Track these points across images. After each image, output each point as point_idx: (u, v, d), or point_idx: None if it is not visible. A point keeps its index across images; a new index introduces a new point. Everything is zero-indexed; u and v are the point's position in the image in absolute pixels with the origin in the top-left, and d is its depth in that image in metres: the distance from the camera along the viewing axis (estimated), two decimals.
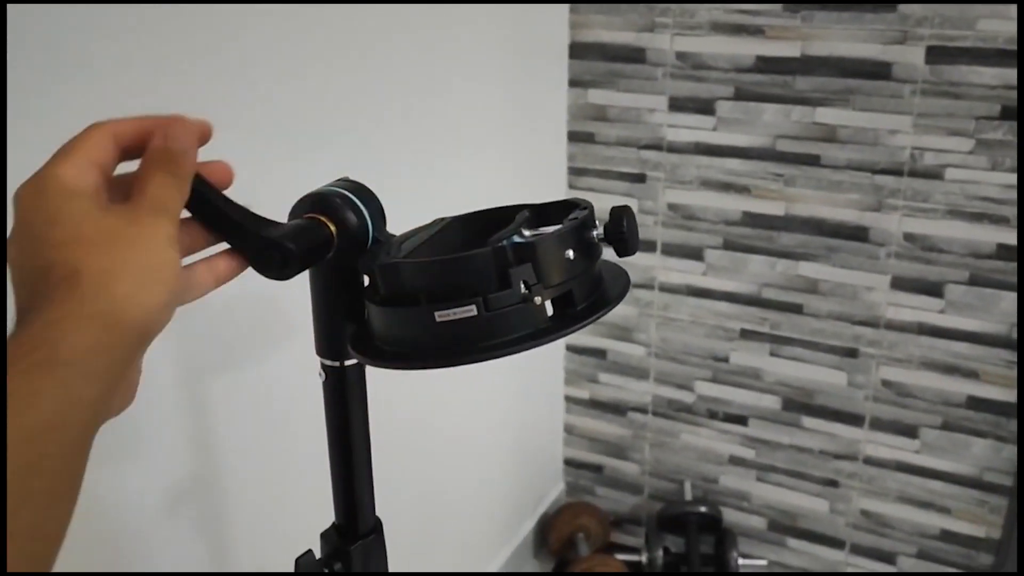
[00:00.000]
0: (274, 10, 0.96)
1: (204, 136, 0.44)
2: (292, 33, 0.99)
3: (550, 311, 0.44)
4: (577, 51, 1.66)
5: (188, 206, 0.43)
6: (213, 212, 0.44)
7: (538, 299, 0.43)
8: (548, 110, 1.67)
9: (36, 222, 0.40)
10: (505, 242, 0.43)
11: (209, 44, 0.89)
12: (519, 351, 0.43)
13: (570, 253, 0.44)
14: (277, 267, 0.45)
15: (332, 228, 0.49)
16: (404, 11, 1.16)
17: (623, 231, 0.46)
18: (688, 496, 1.85)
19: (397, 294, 0.45)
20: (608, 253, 0.48)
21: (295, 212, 0.50)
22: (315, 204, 0.49)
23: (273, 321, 1.04)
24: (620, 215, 0.46)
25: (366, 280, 0.48)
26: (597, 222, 0.47)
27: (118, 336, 0.36)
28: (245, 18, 0.92)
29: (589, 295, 0.45)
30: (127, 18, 0.78)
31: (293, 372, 1.06)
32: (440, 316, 0.43)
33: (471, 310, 0.43)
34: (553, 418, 1.94)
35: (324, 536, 0.59)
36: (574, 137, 1.72)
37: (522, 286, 0.43)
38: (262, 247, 0.45)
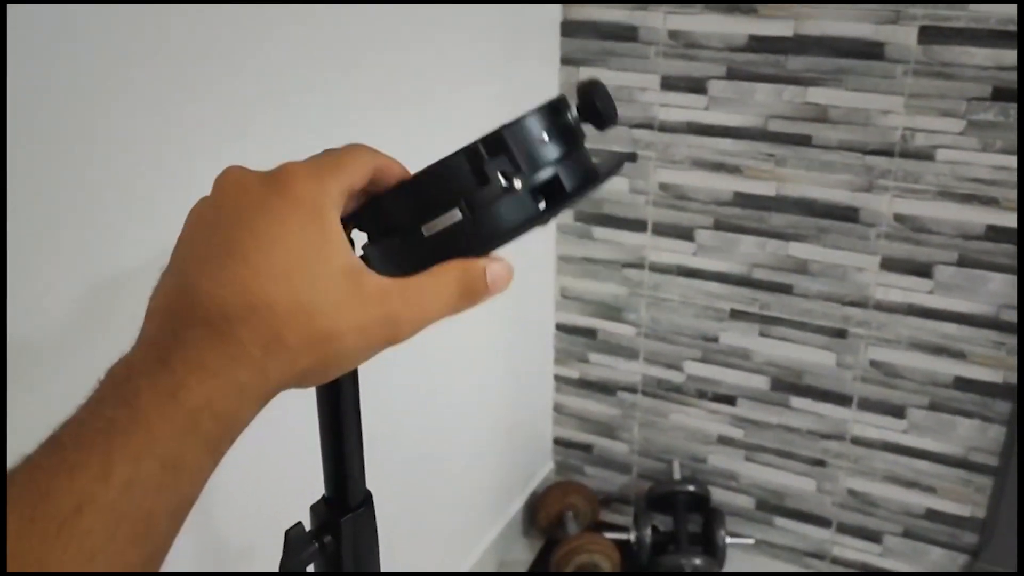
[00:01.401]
0: None
1: None
2: (282, 12, 0.98)
3: (544, 206, 0.43)
4: (569, 29, 1.65)
5: None
6: None
7: (518, 183, 0.41)
8: (540, 88, 1.66)
9: (203, 238, 0.36)
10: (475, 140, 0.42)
11: (208, 40, 0.88)
12: (509, 239, 0.42)
13: (545, 136, 0.43)
14: None
15: None
16: None
17: (595, 104, 0.44)
18: (677, 475, 1.86)
19: (384, 228, 0.44)
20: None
21: None
22: None
23: None
24: (587, 88, 0.45)
25: (356, 234, 0.47)
26: (571, 104, 0.45)
27: (267, 394, 0.36)
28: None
29: (579, 178, 0.44)
30: (123, 17, 0.77)
31: None
32: (427, 230, 0.42)
33: (455, 215, 0.41)
34: (543, 397, 1.95)
35: (314, 509, 0.59)
36: None
37: (501, 178, 0.41)
38: None
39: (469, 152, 0.42)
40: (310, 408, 0.57)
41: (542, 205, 0.43)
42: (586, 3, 1.62)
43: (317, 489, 0.60)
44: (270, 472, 1.12)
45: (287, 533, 0.55)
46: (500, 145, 0.41)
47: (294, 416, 0.92)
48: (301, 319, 0.35)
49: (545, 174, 0.42)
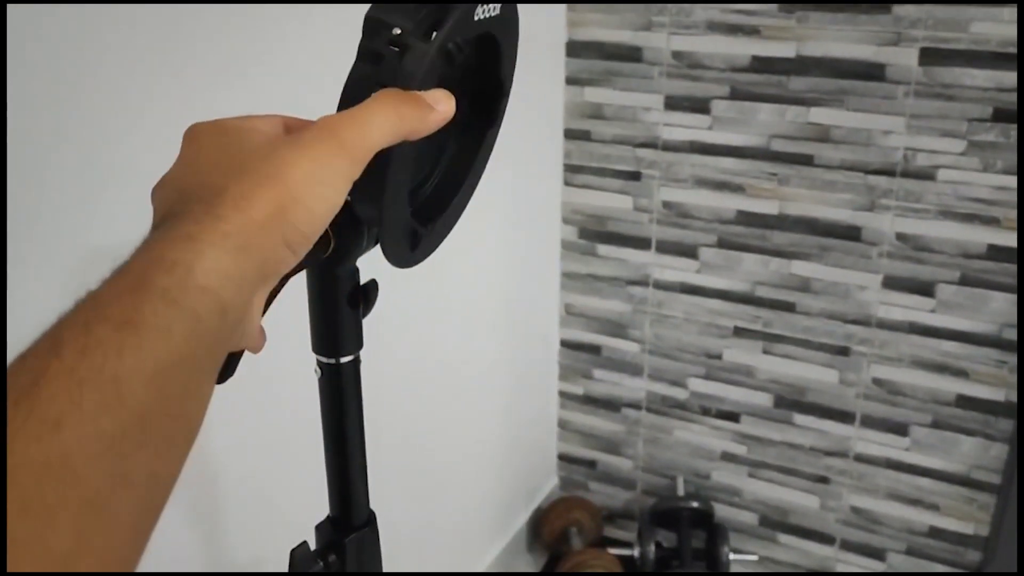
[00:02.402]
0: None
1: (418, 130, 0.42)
2: (283, 18, 1.00)
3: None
4: (574, 49, 1.67)
5: None
6: None
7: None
8: (545, 107, 1.68)
9: (204, 153, 0.38)
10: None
11: (215, 38, 0.90)
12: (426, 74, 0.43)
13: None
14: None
15: (330, 234, 0.50)
16: None
17: None
18: (680, 492, 1.87)
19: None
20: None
21: None
22: None
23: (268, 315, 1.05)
24: None
25: None
26: None
27: (248, 263, 0.34)
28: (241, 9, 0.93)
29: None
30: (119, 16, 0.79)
31: (287, 366, 1.08)
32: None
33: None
34: (547, 413, 1.96)
35: (319, 528, 0.60)
36: (570, 135, 1.73)
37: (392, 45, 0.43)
38: None
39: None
40: (314, 429, 0.59)
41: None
42: (590, 24, 1.64)
43: (322, 509, 0.61)
44: (275, 492, 1.14)
45: (292, 552, 0.57)
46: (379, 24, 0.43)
47: (298, 437, 0.94)
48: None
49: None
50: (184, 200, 0.36)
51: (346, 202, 0.50)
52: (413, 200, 0.51)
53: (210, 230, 0.34)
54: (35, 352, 0.29)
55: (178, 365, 0.31)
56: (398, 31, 0.43)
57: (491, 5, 0.47)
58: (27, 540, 0.26)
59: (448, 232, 0.54)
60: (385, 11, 0.44)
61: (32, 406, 0.27)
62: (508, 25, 0.50)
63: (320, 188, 0.38)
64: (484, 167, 0.55)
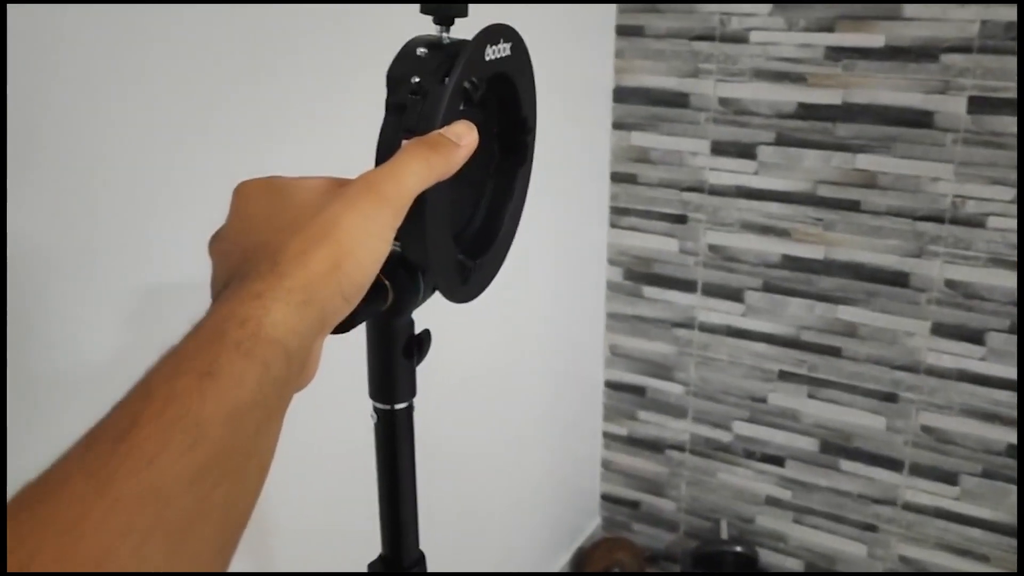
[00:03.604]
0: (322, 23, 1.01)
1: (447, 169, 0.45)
2: (334, 46, 1.04)
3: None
4: (621, 95, 1.70)
5: None
6: None
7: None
8: (592, 151, 1.71)
9: (257, 209, 0.43)
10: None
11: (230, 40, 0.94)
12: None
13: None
14: (340, 323, 0.49)
15: (388, 284, 0.53)
16: None
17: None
18: (724, 535, 1.86)
19: None
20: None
21: None
22: None
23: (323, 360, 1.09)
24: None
25: None
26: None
27: (311, 315, 0.38)
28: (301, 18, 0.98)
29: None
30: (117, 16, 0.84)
31: (341, 410, 1.11)
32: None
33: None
34: (591, 453, 1.96)
35: (371, 566, 0.63)
36: (617, 178, 1.76)
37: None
38: None
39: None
40: (367, 470, 0.61)
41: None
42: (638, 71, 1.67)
43: (373, 547, 0.63)
44: (327, 530, 1.17)
45: None
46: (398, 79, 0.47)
47: (351, 477, 0.97)
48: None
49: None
50: (248, 260, 0.40)
51: (399, 255, 0.53)
52: (460, 240, 0.54)
53: (275, 287, 0.38)
54: (130, 400, 0.34)
55: (251, 408, 0.35)
56: (416, 79, 0.47)
57: (501, 46, 0.51)
58: (128, 559, 0.29)
59: (498, 267, 0.57)
60: (403, 66, 0.48)
61: (131, 446, 0.31)
62: (520, 64, 0.54)
63: (368, 240, 0.41)
64: (523, 203, 0.58)
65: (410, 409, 0.59)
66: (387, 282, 0.53)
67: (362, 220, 0.41)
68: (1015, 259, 1.48)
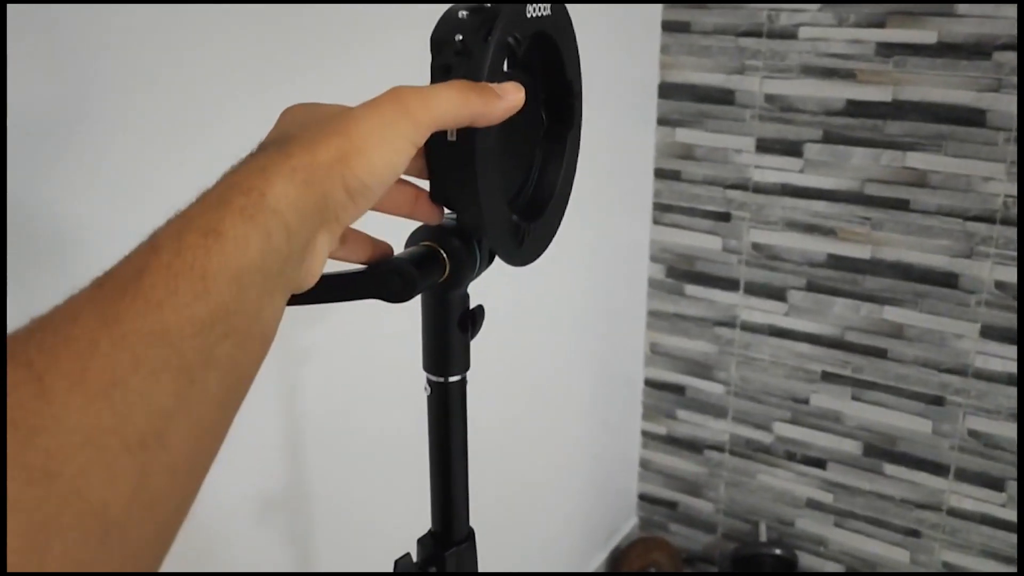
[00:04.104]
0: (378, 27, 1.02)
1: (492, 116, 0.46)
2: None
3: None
4: (666, 91, 1.70)
5: None
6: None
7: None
8: (636, 147, 1.70)
9: (291, 119, 0.44)
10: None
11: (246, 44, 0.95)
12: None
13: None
14: (398, 291, 0.49)
15: (444, 255, 0.53)
16: None
17: None
18: (763, 538, 1.84)
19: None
20: None
21: (411, 240, 0.54)
22: (431, 233, 0.54)
23: (370, 334, 1.10)
24: None
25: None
26: None
27: (311, 197, 0.39)
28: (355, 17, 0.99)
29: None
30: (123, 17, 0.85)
31: (388, 384, 1.11)
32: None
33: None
34: (629, 452, 1.95)
35: (420, 541, 0.63)
36: (661, 174, 1.75)
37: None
38: (387, 271, 0.49)
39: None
40: (413, 445, 0.62)
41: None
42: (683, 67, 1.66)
43: (420, 523, 0.64)
44: (373, 507, 1.17)
45: (396, 563, 0.59)
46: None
47: (398, 452, 0.97)
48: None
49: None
50: (261, 146, 0.42)
51: (453, 226, 0.54)
52: (514, 205, 0.54)
53: (279, 163, 0.39)
54: (137, 253, 0.35)
55: (253, 272, 0.36)
56: (460, 38, 0.47)
57: (541, 4, 0.51)
58: (138, 391, 0.30)
59: (554, 230, 0.57)
60: (446, 28, 0.48)
61: (138, 290, 0.32)
62: (561, 24, 0.54)
63: (382, 144, 0.42)
64: (574, 167, 0.58)
65: (463, 383, 0.59)
66: (444, 253, 0.53)
67: (380, 125, 0.42)
68: None
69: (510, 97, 0.46)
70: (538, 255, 0.55)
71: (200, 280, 0.34)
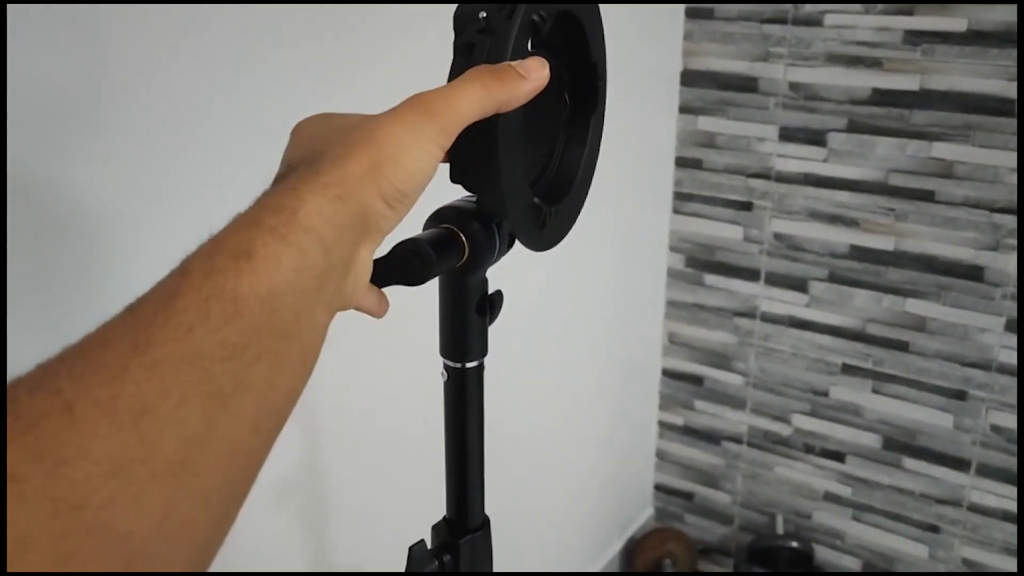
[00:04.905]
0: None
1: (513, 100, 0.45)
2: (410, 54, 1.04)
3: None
4: (689, 78, 1.68)
5: None
6: None
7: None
8: (657, 135, 1.69)
9: (309, 134, 0.44)
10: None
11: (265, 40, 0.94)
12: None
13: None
14: (416, 273, 0.49)
15: (463, 238, 0.52)
16: None
17: None
18: (780, 530, 1.82)
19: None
20: None
21: (431, 221, 0.53)
22: (450, 216, 0.53)
23: (388, 318, 1.09)
24: None
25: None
26: None
27: (347, 210, 0.38)
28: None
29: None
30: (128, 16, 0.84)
31: (405, 369, 1.11)
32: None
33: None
34: (646, 443, 1.94)
35: (435, 528, 0.62)
36: (682, 163, 1.73)
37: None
38: (405, 252, 0.48)
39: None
40: (429, 433, 0.61)
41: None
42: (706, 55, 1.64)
43: (434, 510, 0.63)
44: (387, 494, 1.17)
45: (410, 549, 0.59)
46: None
47: (413, 440, 0.97)
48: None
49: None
50: (289, 169, 0.41)
51: (473, 209, 0.53)
52: (537, 188, 0.53)
53: (311, 181, 0.38)
54: (168, 278, 0.34)
55: (287, 292, 0.35)
56: (483, 15, 0.46)
57: None
58: (168, 418, 0.30)
59: (576, 214, 0.56)
60: (469, 6, 0.47)
61: (169, 315, 0.32)
62: (587, 3, 0.53)
63: (412, 148, 0.41)
64: (597, 150, 0.57)
65: (480, 368, 0.58)
66: (463, 236, 0.52)
67: (406, 130, 0.41)
68: None
69: (534, 76, 0.45)
70: (559, 240, 0.54)
71: (231, 303, 0.33)
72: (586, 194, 0.57)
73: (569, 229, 0.56)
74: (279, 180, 0.41)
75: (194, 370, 0.31)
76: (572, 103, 0.55)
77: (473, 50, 0.46)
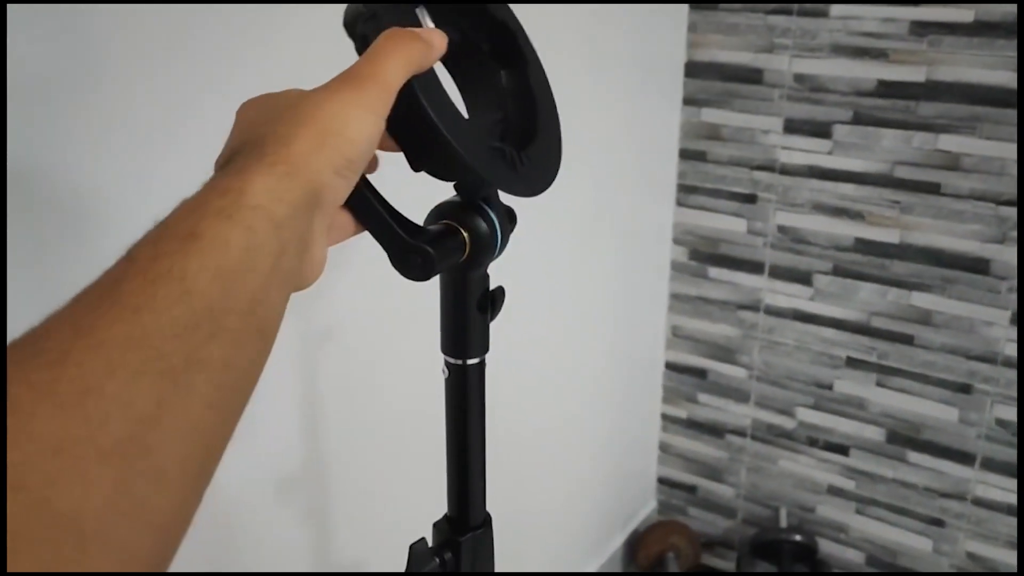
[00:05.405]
0: None
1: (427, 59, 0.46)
2: None
3: None
4: (693, 70, 1.66)
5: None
6: (365, 206, 0.48)
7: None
8: (661, 127, 1.68)
9: (250, 116, 0.44)
10: None
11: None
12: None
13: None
14: (417, 270, 0.48)
15: (465, 235, 0.52)
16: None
17: None
18: (783, 523, 1.82)
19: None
20: None
21: (431, 218, 0.53)
22: (451, 212, 0.52)
23: (388, 317, 1.08)
24: None
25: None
26: None
27: (296, 186, 0.38)
28: None
29: None
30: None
31: (407, 365, 1.11)
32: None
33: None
34: (649, 436, 1.94)
35: (436, 526, 0.62)
36: (685, 155, 1.72)
37: None
38: (406, 250, 0.48)
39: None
40: (431, 430, 0.61)
41: None
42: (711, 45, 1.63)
43: (436, 507, 0.63)
44: (389, 489, 1.17)
45: (411, 547, 0.58)
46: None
47: (415, 437, 0.96)
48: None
49: None
50: (234, 153, 0.41)
51: (463, 202, 0.52)
52: (504, 138, 0.53)
53: (257, 162, 0.38)
54: (114, 266, 0.34)
55: (239, 271, 0.35)
56: (363, 8, 0.47)
57: None
58: (114, 397, 0.29)
59: (555, 155, 0.55)
60: (351, 10, 0.48)
61: (114, 299, 0.32)
62: None
63: (354, 122, 0.42)
64: (550, 94, 0.56)
65: (482, 365, 0.58)
66: (464, 233, 0.52)
67: (346, 105, 0.42)
68: None
69: (436, 41, 0.47)
70: (547, 183, 0.53)
71: (179, 282, 0.33)
72: (558, 132, 0.56)
73: (555, 169, 0.54)
74: (222, 166, 0.41)
75: (142, 349, 0.31)
76: (502, 66, 0.55)
77: (367, 39, 0.46)
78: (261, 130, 0.41)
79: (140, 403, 0.30)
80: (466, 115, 0.50)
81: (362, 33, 0.47)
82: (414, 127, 0.46)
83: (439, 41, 0.47)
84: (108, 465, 0.28)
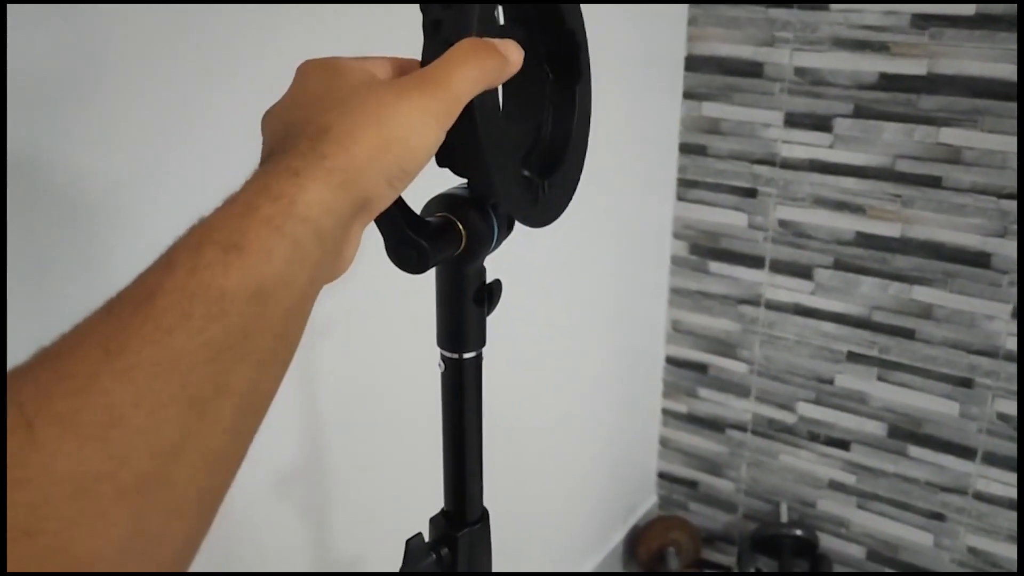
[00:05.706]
0: None
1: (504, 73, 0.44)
2: None
3: None
4: (693, 63, 1.66)
5: None
6: None
7: None
8: (661, 121, 1.67)
9: (311, 86, 0.42)
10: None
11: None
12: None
13: None
14: (413, 263, 0.48)
15: (461, 228, 0.51)
16: None
17: None
18: (784, 518, 1.82)
19: None
20: None
21: (428, 209, 0.52)
22: (447, 204, 0.52)
23: (385, 311, 1.08)
24: None
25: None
26: None
27: (348, 196, 0.37)
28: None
29: None
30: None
31: (406, 360, 1.10)
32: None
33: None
34: (649, 430, 1.94)
35: (433, 521, 0.61)
36: (685, 149, 1.71)
37: None
38: (403, 242, 0.47)
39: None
40: (428, 425, 0.60)
41: None
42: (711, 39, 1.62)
43: (434, 502, 0.62)
44: (387, 484, 1.17)
45: (408, 542, 0.58)
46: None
47: (413, 432, 0.96)
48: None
49: None
50: (290, 135, 0.39)
51: (467, 197, 0.51)
52: (529, 164, 0.52)
53: (314, 166, 0.36)
54: (152, 270, 0.32)
55: (279, 286, 0.33)
56: None
57: None
58: (139, 430, 0.28)
59: (572, 189, 0.55)
60: None
61: (147, 316, 0.30)
62: None
63: (420, 129, 0.40)
64: (588, 120, 0.56)
65: (479, 359, 0.57)
66: (460, 225, 0.51)
67: (413, 110, 0.40)
68: None
69: (512, 56, 0.45)
70: (557, 214, 0.53)
71: (217, 302, 0.31)
72: (581, 165, 0.55)
73: (567, 202, 0.54)
74: (279, 147, 0.39)
75: (171, 376, 0.29)
76: (554, 74, 0.54)
77: (440, 26, 0.45)
78: (322, 116, 0.39)
79: (165, 434, 0.29)
80: (502, 107, 0.48)
81: (434, 19, 0.45)
82: (458, 136, 0.44)
83: (516, 56, 0.45)
84: (127, 503, 0.27)
